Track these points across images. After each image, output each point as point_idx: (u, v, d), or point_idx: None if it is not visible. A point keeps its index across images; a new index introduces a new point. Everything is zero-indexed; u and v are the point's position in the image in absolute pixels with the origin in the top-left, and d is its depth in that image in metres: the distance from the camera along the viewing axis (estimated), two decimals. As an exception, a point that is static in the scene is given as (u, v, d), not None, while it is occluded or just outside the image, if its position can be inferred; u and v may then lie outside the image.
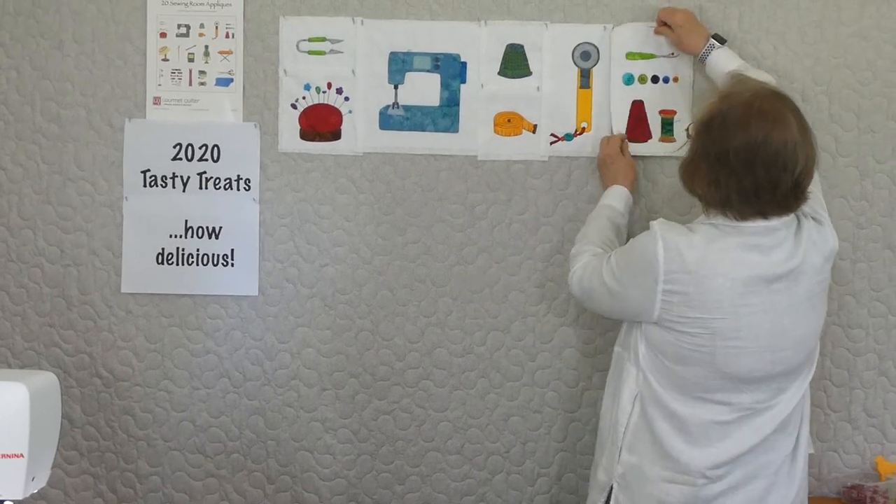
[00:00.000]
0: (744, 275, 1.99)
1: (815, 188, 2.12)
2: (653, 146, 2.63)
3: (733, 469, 2.09)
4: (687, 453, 2.09)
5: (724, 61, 2.46)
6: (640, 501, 2.15)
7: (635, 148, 2.61)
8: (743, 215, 2.01)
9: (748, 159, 1.95)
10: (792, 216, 2.04)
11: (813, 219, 2.10)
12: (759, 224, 2.01)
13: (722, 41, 2.51)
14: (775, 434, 2.09)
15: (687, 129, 2.29)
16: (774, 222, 2.02)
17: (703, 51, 2.50)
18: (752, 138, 1.95)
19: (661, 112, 2.63)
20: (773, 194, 1.97)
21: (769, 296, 2.01)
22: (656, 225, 2.09)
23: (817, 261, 2.06)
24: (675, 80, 2.62)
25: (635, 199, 2.56)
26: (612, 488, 2.20)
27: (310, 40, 2.67)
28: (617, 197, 2.51)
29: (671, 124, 2.61)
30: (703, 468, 2.08)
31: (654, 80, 2.63)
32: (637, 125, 2.63)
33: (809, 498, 2.28)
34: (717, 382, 2.06)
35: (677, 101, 2.61)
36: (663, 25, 2.57)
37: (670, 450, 2.10)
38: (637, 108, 2.62)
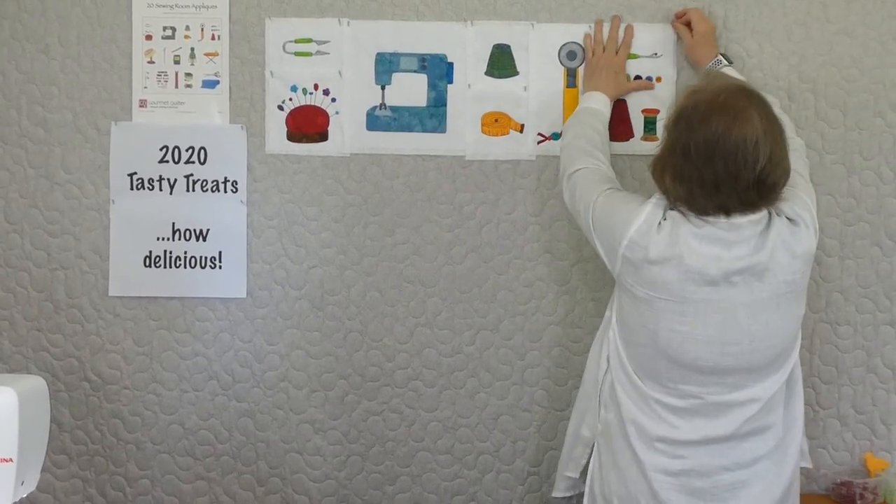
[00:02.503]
0: (699, 263, 2.00)
1: (800, 192, 2.10)
2: (635, 145, 2.63)
3: (694, 453, 2.10)
4: (643, 421, 2.14)
5: None
6: (620, 459, 2.18)
7: (617, 147, 2.61)
8: (705, 210, 2.01)
9: (708, 153, 1.95)
10: (763, 213, 2.02)
11: (788, 218, 2.05)
12: (722, 220, 2.01)
13: (729, 62, 2.51)
14: (744, 434, 2.09)
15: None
16: (740, 220, 2.00)
17: (710, 66, 2.50)
18: (712, 131, 1.95)
19: (643, 111, 2.63)
20: (734, 188, 1.96)
21: (726, 288, 2.01)
22: (652, 199, 2.10)
23: (785, 259, 2.02)
24: (659, 79, 2.62)
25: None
26: (594, 444, 2.26)
27: (296, 41, 2.67)
28: (601, 101, 2.52)
29: (654, 123, 2.61)
30: (658, 435, 2.12)
31: (637, 79, 2.63)
32: (619, 124, 2.63)
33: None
34: (663, 364, 2.08)
35: (660, 100, 2.61)
36: (683, 24, 2.57)
37: (627, 413, 2.16)
38: (619, 108, 2.62)
